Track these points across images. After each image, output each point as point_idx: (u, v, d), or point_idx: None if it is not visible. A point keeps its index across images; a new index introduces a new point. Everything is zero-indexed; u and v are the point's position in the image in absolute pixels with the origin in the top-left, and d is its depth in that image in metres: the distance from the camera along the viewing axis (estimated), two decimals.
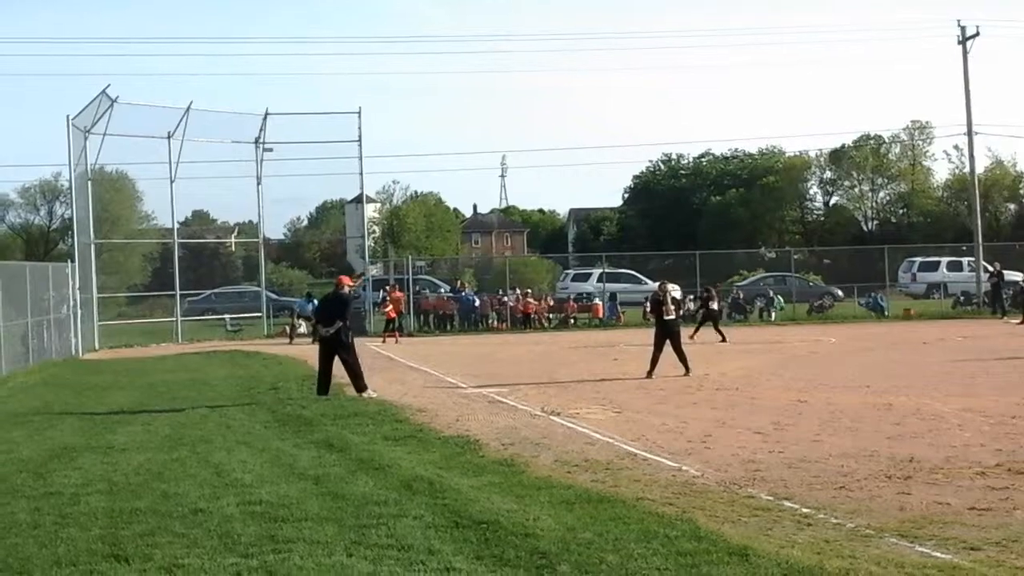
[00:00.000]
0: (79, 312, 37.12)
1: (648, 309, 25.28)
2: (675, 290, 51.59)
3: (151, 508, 10.25)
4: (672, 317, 23.54)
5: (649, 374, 22.68)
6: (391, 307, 39.95)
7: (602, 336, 39.48)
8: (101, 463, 13.14)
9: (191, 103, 42.75)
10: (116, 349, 38.92)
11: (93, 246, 41.68)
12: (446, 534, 8.97)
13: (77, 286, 37.17)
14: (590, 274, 56.49)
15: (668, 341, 23.22)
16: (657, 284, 26.80)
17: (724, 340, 33.46)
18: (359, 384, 20.15)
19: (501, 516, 9.46)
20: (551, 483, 11.24)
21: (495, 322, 46.09)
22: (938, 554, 8.23)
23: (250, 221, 68.76)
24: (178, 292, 43.90)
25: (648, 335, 24.50)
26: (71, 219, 43.79)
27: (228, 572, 7.92)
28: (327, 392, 20.05)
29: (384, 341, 37.96)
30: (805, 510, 9.87)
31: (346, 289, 21.24)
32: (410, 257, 52.29)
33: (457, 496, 10.43)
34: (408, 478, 11.46)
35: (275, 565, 8.06)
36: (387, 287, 44.25)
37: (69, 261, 38.77)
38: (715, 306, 36.34)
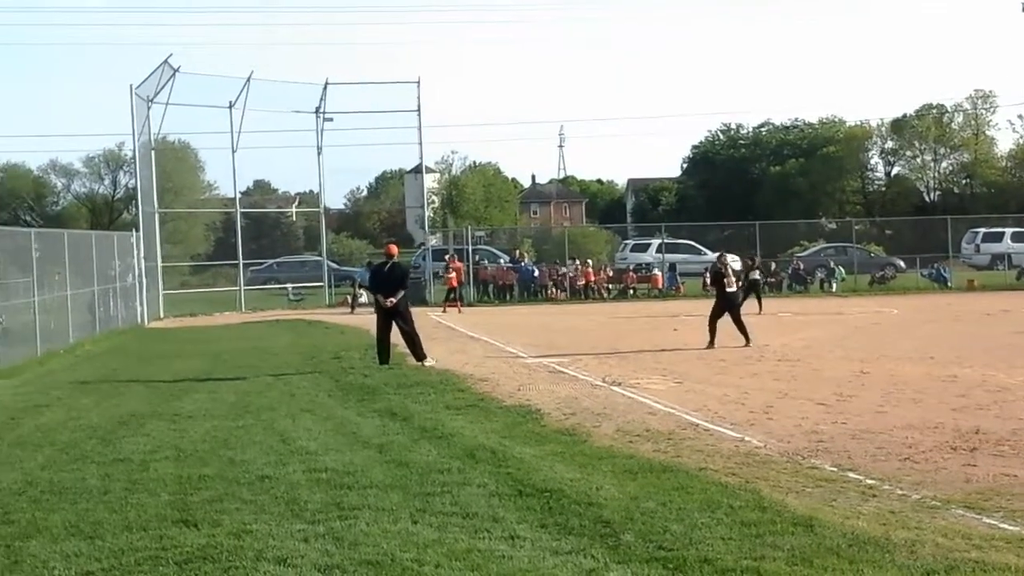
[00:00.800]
0: (144, 281, 37.60)
1: (708, 281, 25.16)
2: (735, 261, 51.70)
3: (218, 474, 10.38)
4: (733, 289, 23.64)
5: (711, 344, 22.65)
6: (454, 275, 40.09)
7: (661, 307, 39.41)
8: (169, 430, 13.32)
9: (252, 73, 43.14)
10: (180, 318, 39.43)
11: (157, 215, 42.18)
12: (510, 502, 9.01)
13: (142, 255, 37.64)
14: (649, 244, 56.32)
15: (728, 313, 23.23)
16: (716, 256, 26.76)
17: (760, 312, 33.22)
18: (418, 353, 20.22)
19: (564, 485, 9.49)
20: (613, 453, 11.26)
21: (554, 292, 46.10)
22: (1005, 526, 8.17)
23: (311, 191, 69.39)
24: (241, 261, 44.34)
25: (708, 306, 24.36)
26: (135, 188, 44.27)
27: (295, 538, 8.00)
28: (388, 361, 20.14)
29: (444, 311, 38.10)
30: (870, 481, 9.82)
31: (396, 256, 21.30)
32: (469, 227, 52.39)
33: (520, 465, 10.48)
34: (471, 447, 11.52)
35: (341, 531, 8.14)
36: (446, 256, 44.41)
37: (134, 230, 39.26)
38: (757, 276, 36.11)
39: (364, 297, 40.71)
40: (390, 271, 20.68)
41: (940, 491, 9.38)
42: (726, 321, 23.07)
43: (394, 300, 20.07)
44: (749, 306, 33.78)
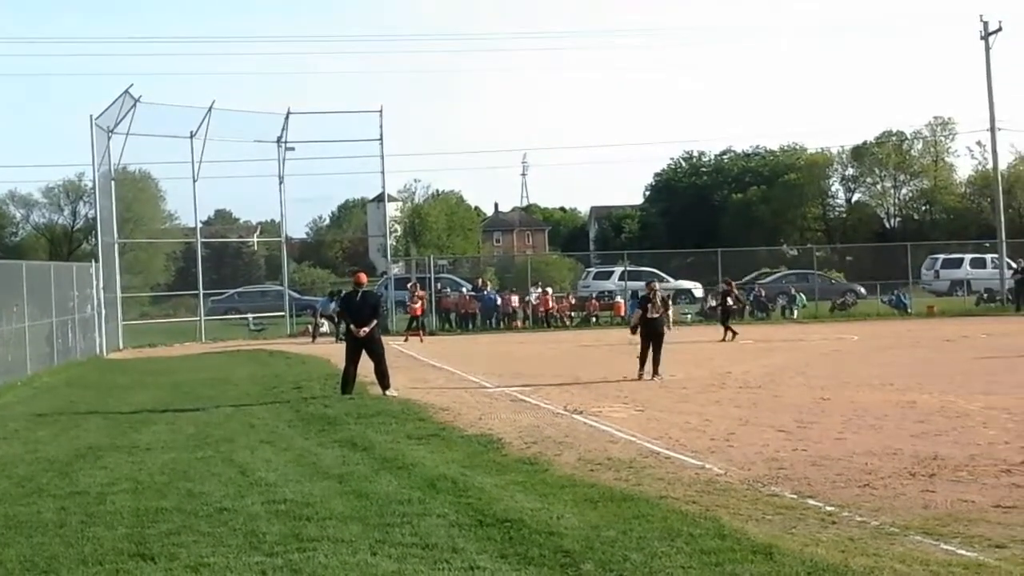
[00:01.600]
0: (103, 312, 37.32)
1: (631, 319, 24.15)
2: (696, 289, 51.95)
3: (176, 507, 10.29)
4: (656, 316, 22.74)
5: (654, 374, 22.18)
6: (420, 304, 39.97)
7: (624, 334, 39.35)
8: (126, 462, 13.20)
9: (213, 102, 43.00)
10: (140, 349, 39.13)
11: (116, 246, 41.93)
12: (470, 533, 8.98)
13: (101, 286, 37.37)
14: (612, 272, 56.47)
15: (650, 341, 22.49)
16: (646, 282, 26.39)
17: (724, 340, 33.40)
18: (386, 382, 20.12)
19: (525, 515, 9.47)
20: (574, 481, 11.25)
21: (517, 321, 46.06)
22: (963, 552, 8.21)
23: (272, 220, 69.28)
24: (201, 291, 44.08)
25: (667, 335, 24.14)
26: (95, 219, 44.07)
27: (253, 571, 7.95)
28: (351, 391, 20.02)
29: (406, 340, 37.99)
30: (829, 508, 9.85)
31: (365, 285, 21.09)
32: (432, 256, 52.37)
33: (481, 495, 10.45)
34: (432, 477, 11.48)
35: (300, 564, 8.10)
36: (409, 285, 44.34)
37: (93, 261, 39.01)
38: (730, 301, 36.20)
39: (325, 327, 40.62)
40: (362, 300, 20.40)
41: (899, 517, 9.42)
42: (671, 348, 22.81)
43: (367, 330, 19.97)
44: (718, 332, 34.07)
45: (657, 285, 24.37)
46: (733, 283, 37.79)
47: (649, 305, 22.93)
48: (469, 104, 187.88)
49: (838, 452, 12.87)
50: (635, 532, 8.80)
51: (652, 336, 22.66)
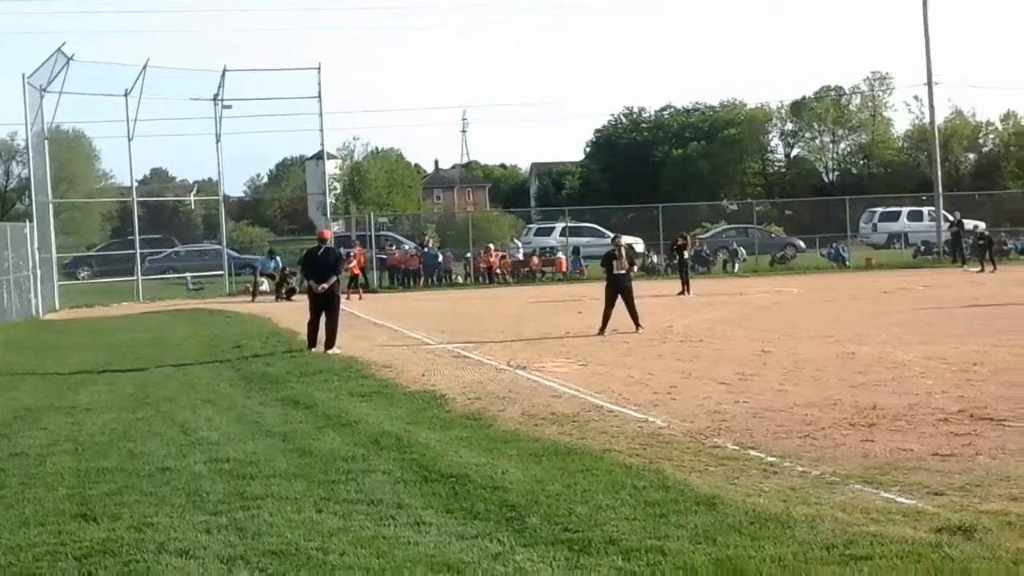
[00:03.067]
0: (38, 272, 36.83)
1: (601, 263, 24.14)
2: (638, 244, 52.19)
3: (118, 467, 10.21)
4: (622, 272, 22.53)
5: (601, 331, 22.10)
6: (355, 263, 39.80)
7: (566, 290, 39.49)
8: (66, 423, 13.08)
9: (148, 60, 42.36)
10: (77, 309, 38.68)
11: (51, 206, 41.36)
12: (415, 488, 8.99)
13: (36, 246, 36.85)
14: (553, 228, 56.51)
15: (620, 296, 22.41)
16: (611, 237, 26.21)
17: (682, 293, 33.57)
18: (332, 341, 20.07)
19: (470, 470, 9.48)
20: (519, 436, 11.28)
21: (459, 277, 46.07)
22: (902, 499, 8.31)
23: (210, 179, 68.53)
24: (138, 251, 43.63)
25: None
26: (28, 179, 43.44)
27: (198, 529, 7.90)
28: (315, 345, 19.96)
29: (348, 298, 37.82)
30: (771, 458, 9.94)
31: (330, 242, 21.11)
32: (372, 213, 52.12)
33: (425, 451, 10.45)
34: (375, 433, 11.47)
35: (245, 522, 8.06)
36: (352, 241, 44.17)
37: (27, 221, 38.43)
38: (686, 255, 36.18)
39: (265, 285, 40.37)
40: (324, 256, 20.46)
41: (839, 467, 9.53)
42: (620, 307, 22.75)
43: (326, 286, 19.91)
44: (661, 286, 34.24)
45: (623, 240, 24.08)
46: (688, 237, 37.88)
47: (614, 262, 22.60)
48: (408, 61, 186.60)
49: (779, 403, 12.98)
50: (580, 485, 8.83)
51: (621, 292, 22.40)
